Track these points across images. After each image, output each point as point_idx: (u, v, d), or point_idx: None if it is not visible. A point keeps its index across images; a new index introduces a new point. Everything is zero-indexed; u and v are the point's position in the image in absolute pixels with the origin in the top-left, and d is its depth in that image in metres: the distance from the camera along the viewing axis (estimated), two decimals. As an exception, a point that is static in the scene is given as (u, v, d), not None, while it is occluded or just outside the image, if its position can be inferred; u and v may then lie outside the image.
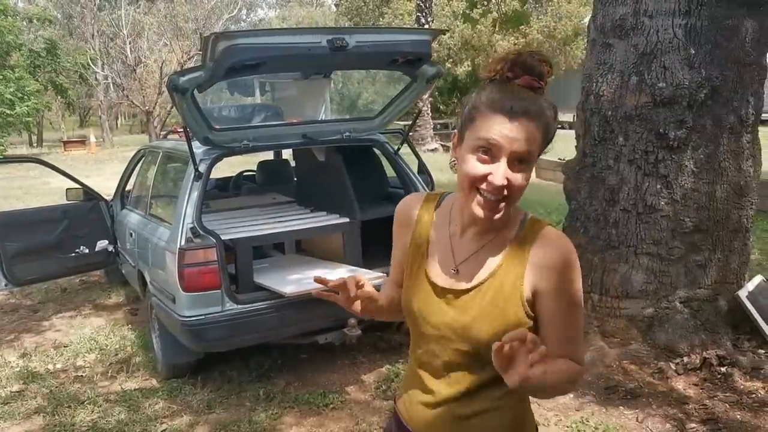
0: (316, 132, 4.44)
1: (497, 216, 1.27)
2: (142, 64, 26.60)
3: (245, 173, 6.50)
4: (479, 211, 1.26)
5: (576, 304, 1.32)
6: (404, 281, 1.46)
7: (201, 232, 3.69)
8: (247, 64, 3.41)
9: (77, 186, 5.52)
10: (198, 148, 4.00)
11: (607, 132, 4.28)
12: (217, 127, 4.04)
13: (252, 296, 3.83)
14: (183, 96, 3.48)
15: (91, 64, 28.60)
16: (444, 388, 1.39)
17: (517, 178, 1.23)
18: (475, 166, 1.24)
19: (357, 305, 1.45)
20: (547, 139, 1.27)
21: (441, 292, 1.37)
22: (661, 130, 4.06)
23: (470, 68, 23.13)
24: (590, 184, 4.44)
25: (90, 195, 5.56)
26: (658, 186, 4.12)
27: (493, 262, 1.33)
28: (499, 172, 1.22)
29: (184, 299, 3.62)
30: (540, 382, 1.14)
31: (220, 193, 5.79)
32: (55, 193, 11.24)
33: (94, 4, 29.92)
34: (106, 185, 8.03)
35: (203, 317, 3.62)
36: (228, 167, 6.48)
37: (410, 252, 1.45)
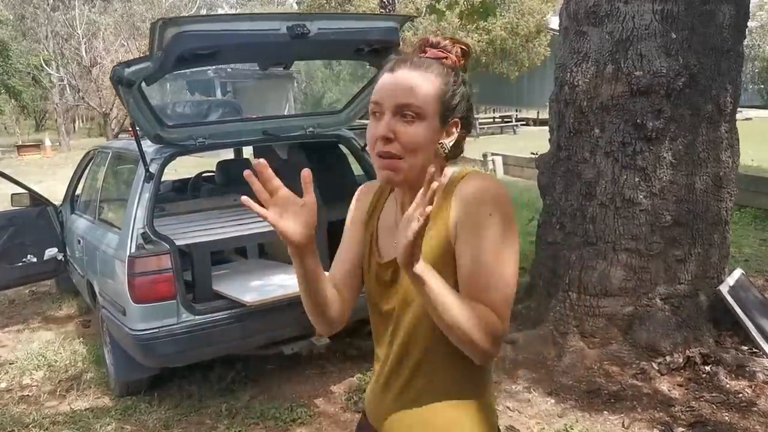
0: (278, 128, 4.18)
1: (398, 177, 1.21)
2: (98, 65, 25.77)
3: (204, 174, 6.18)
4: (380, 174, 1.22)
5: (493, 249, 1.18)
6: (363, 269, 1.42)
7: (153, 237, 3.40)
8: (199, 53, 3.13)
9: (23, 191, 5.17)
10: (149, 146, 3.71)
11: (583, 123, 4.11)
12: (170, 123, 3.75)
13: (210, 306, 3.54)
14: (129, 89, 3.18)
15: (45, 66, 27.69)
16: (396, 377, 1.33)
17: (405, 129, 1.18)
18: (368, 129, 1.22)
19: (296, 230, 1.18)
20: (443, 99, 1.21)
21: (386, 266, 1.32)
22: (638, 121, 3.90)
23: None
24: (565, 179, 4.26)
25: (37, 200, 5.21)
26: (636, 179, 3.97)
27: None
28: (381, 124, 1.19)
29: (135, 311, 3.33)
30: (432, 287, 1.09)
31: (177, 196, 5.47)
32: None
33: (47, 5, 28.93)
34: (60, 189, 7.62)
35: (157, 330, 3.33)
36: (186, 168, 6.17)
37: (365, 238, 1.42)
